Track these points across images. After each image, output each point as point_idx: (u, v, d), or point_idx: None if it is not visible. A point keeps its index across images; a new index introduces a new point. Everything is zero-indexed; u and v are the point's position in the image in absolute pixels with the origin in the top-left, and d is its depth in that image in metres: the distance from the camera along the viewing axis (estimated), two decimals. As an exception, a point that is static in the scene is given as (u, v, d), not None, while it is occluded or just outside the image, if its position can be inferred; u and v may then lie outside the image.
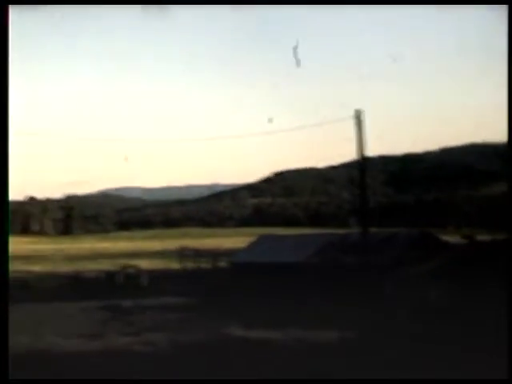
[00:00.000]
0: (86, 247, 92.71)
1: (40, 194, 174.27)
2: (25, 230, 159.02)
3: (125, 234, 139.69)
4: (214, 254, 51.04)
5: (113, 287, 41.02)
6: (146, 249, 79.87)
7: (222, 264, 48.49)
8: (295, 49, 51.27)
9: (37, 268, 59.37)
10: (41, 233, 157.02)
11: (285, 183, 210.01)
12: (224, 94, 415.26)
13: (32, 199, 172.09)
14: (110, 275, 45.99)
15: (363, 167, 39.40)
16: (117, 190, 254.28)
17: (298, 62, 46.69)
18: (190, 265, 50.07)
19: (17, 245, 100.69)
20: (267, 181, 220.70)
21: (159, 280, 43.71)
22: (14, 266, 60.11)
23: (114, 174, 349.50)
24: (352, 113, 38.14)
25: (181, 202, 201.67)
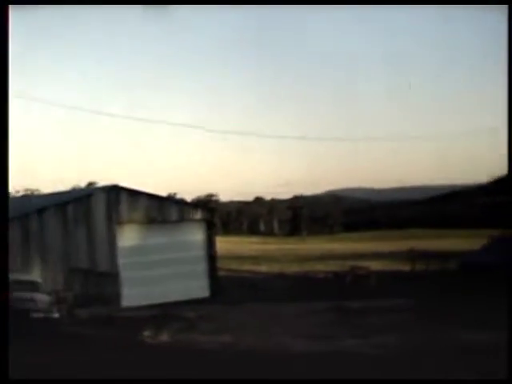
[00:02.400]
0: (313, 248, 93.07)
1: (267, 195, 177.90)
2: (252, 231, 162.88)
3: (353, 234, 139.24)
4: (444, 256, 49.36)
5: (341, 288, 40.44)
6: (374, 250, 78.88)
7: (452, 266, 46.78)
8: None
9: (264, 268, 60.03)
10: (268, 233, 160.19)
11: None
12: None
13: (259, 199, 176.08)
14: (338, 276, 45.60)
15: None
16: (344, 190, 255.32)
17: None
18: (419, 266, 48.76)
19: (244, 245, 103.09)
20: (500, 181, 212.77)
21: (388, 281, 42.74)
22: (243, 266, 61.32)
23: (342, 174, 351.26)
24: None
25: (409, 203, 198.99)
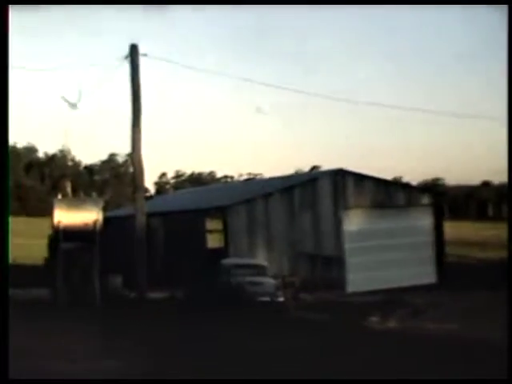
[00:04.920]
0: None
1: (495, 179, 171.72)
2: (480, 216, 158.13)
3: None
4: None
5: None
6: None
7: None
8: None
9: (493, 255, 57.93)
10: (497, 218, 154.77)
11: None
12: None
13: (487, 184, 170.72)
14: None
15: None
16: None
17: None
18: None
19: (472, 230, 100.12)
20: None
21: None
22: (471, 253, 59.43)
23: None
24: None
25: None
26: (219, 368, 14.48)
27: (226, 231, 35.16)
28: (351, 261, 37.06)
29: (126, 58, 27.84)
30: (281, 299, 26.81)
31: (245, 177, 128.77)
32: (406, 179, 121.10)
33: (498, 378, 12.39)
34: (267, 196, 36.81)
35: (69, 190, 29.31)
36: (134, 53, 27.83)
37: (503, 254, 57.44)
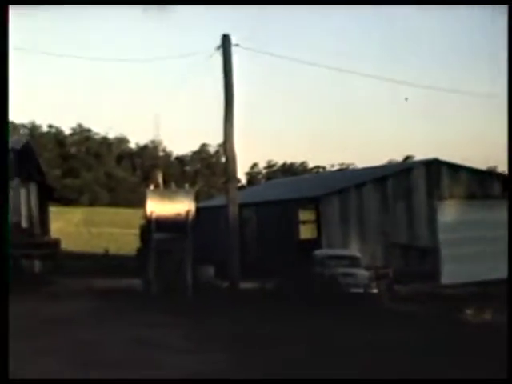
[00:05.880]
0: None
1: None
2: None
3: None
4: None
5: None
6: None
7: None
8: None
9: None
10: None
11: None
12: None
13: None
14: None
15: None
16: None
17: None
18: None
19: None
20: None
21: None
22: None
23: None
24: None
25: None
26: (311, 361, 14.34)
27: (318, 222, 35.04)
28: (445, 252, 36.39)
29: (219, 48, 27.89)
30: (374, 291, 26.49)
31: (337, 167, 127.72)
32: (501, 169, 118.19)
33: (497, 378, 12.02)
34: (360, 186, 36.53)
35: (160, 180, 29.50)
36: (226, 43, 27.84)
37: None
